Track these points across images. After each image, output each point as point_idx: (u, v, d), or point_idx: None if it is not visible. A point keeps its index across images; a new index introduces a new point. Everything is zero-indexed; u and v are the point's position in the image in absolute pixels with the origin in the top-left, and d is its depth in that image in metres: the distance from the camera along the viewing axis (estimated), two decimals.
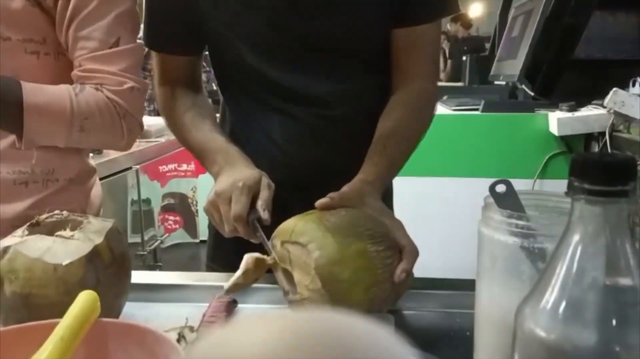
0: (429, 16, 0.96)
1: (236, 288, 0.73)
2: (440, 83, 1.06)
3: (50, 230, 0.71)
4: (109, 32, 0.98)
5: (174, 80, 1.03)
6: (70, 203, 1.03)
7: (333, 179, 0.84)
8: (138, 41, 1.03)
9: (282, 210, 0.82)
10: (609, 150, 2.07)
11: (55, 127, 0.94)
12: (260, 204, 0.81)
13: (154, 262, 2.57)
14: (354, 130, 0.98)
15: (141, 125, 1.03)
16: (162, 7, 0.98)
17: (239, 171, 0.86)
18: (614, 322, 0.37)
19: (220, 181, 0.85)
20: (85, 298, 0.56)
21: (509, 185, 0.56)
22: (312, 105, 0.97)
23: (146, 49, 1.04)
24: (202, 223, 3.20)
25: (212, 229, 1.12)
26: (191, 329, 0.67)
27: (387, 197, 1.11)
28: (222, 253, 1.08)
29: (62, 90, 0.94)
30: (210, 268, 1.11)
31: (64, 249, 0.66)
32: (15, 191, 1.02)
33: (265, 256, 0.76)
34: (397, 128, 0.94)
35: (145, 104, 4.41)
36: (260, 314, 0.25)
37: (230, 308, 0.78)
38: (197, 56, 1.05)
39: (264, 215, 0.80)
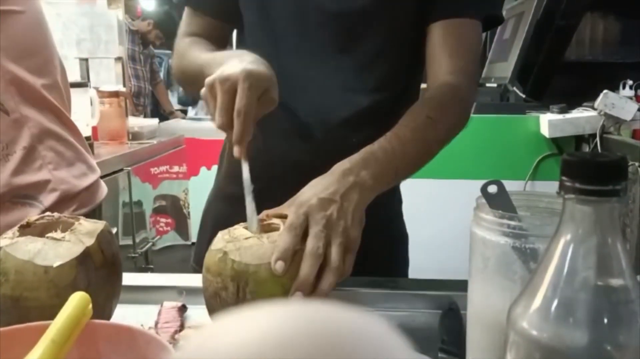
0: (454, 11, 0.92)
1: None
2: None
3: (41, 231, 0.71)
4: None
5: (199, 35, 1.01)
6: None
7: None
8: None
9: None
10: (600, 151, 2.08)
11: None
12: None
13: (145, 264, 2.55)
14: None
15: None
16: None
17: (255, 61, 0.75)
18: (605, 321, 0.38)
19: (230, 65, 0.74)
20: (77, 300, 0.56)
21: (500, 186, 0.57)
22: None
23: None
24: (194, 225, 3.18)
25: (202, 231, 1.11)
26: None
27: (396, 203, 1.10)
28: None
29: None
30: (196, 271, 1.07)
31: (55, 251, 0.65)
32: None
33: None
34: (401, 126, 0.84)
35: (135, 102, 4.39)
36: (253, 309, 0.25)
37: (181, 312, 0.77)
38: (229, 26, 1.04)
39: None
